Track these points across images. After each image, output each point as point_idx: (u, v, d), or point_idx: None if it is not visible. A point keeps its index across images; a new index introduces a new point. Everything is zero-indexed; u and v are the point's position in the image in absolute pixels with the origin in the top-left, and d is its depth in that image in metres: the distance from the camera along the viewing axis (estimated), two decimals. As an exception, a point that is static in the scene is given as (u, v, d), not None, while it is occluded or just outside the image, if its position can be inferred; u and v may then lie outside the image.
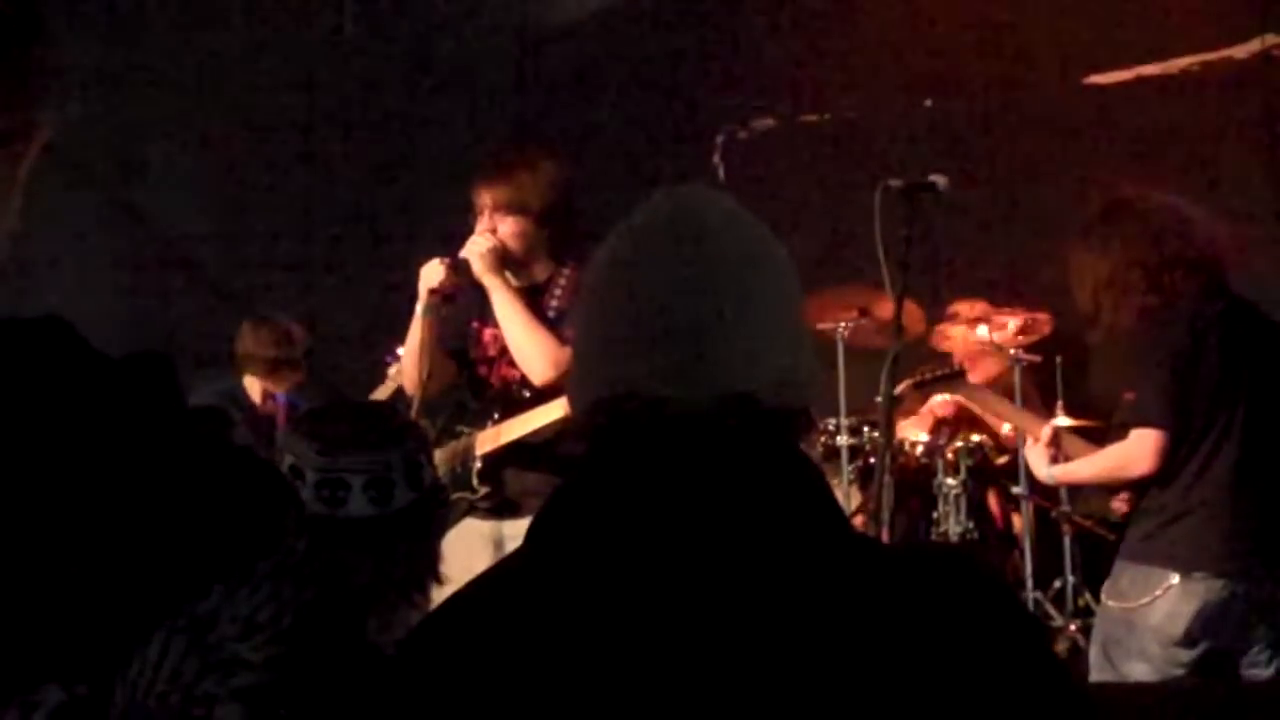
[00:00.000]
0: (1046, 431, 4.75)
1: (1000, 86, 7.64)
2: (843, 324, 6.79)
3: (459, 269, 4.57)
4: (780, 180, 7.19)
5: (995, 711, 1.40)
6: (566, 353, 4.28)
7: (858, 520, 6.00)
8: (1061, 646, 6.19)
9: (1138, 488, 4.34)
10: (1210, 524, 4.17)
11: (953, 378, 5.81)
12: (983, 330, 6.91)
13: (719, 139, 5.23)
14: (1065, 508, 6.62)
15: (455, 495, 4.51)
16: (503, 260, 4.60)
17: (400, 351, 4.98)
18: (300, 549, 1.21)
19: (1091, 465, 4.59)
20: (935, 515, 6.66)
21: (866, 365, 6.11)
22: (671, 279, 1.53)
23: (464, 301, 4.69)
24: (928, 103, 7.05)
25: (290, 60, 8.25)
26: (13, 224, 1.23)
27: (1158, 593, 4.16)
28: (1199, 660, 4.15)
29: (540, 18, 8.60)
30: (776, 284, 1.58)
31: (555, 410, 4.38)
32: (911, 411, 7.20)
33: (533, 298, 4.61)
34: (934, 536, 6.59)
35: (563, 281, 4.64)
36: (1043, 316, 6.89)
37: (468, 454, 4.63)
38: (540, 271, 4.68)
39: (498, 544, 4.58)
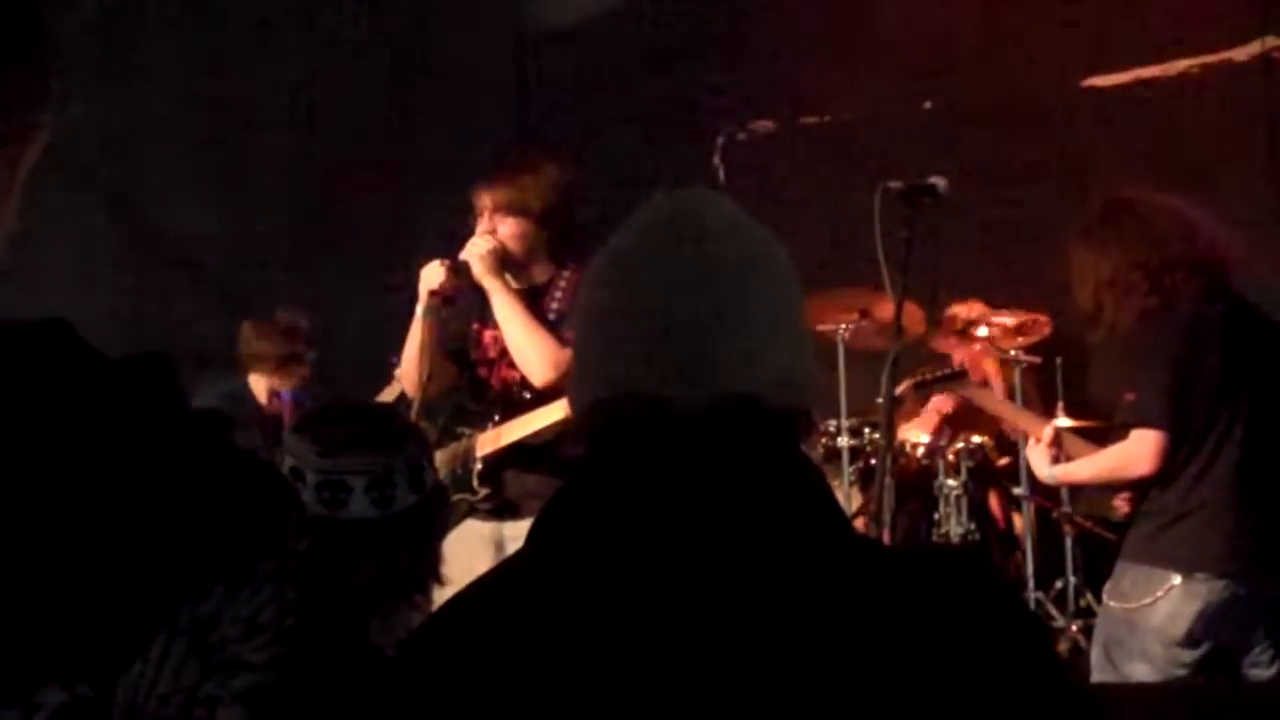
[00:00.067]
0: (1048, 432, 4.75)
1: (1000, 88, 7.64)
2: (843, 325, 6.79)
3: (459, 271, 4.57)
4: (780, 182, 7.19)
5: (998, 712, 1.40)
6: (566, 354, 4.28)
7: (859, 521, 6.00)
8: (1063, 647, 6.19)
9: (1139, 488, 4.34)
10: (1212, 525, 4.18)
11: (954, 378, 5.81)
12: (982, 331, 6.90)
13: (719, 141, 5.24)
14: (1066, 508, 6.61)
15: (456, 497, 4.51)
16: (503, 262, 4.60)
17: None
18: (302, 550, 1.21)
19: (1092, 466, 4.59)
20: (936, 516, 6.65)
21: (867, 367, 6.11)
22: (671, 280, 1.53)
23: (464, 303, 4.69)
24: (927, 105, 7.05)
25: (291, 61, 8.25)
26: (12, 225, 1.22)
27: (1159, 593, 4.16)
28: (1201, 661, 4.16)
29: (540, 19, 8.60)
30: (776, 285, 1.58)
31: (555, 412, 4.38)
32: (913, 413, 7.20)
33: (533, 299, 4.61)
34: (935, 538, 6.58)
35: (563, 283, 4.64)
36: (1042, 318, 6.88)
37: (468, 456, 4.63)
38: (540, 273, 4.68)
39: (498, 545, 4.58)
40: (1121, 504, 4.52)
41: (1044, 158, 7.52)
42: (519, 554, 1.55)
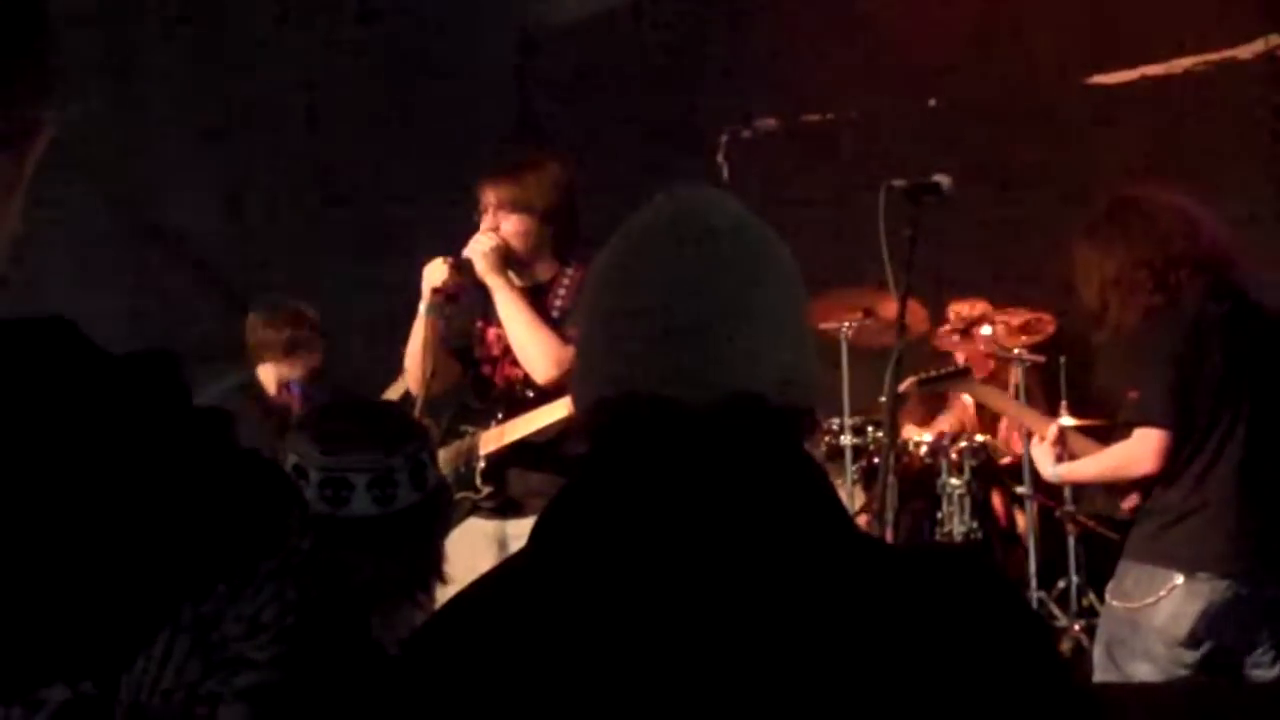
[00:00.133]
0: (1052, 430, 4.76)
1: (1004, 86, 7.63)
2: (847, 324, 6.79)
3: (462, 268, 4.57)
4: (783, 180, 7.18)
5: (1000, 711, 1.40)
6: (569, 352, 4.28)
7: (861, 520, 6.00)
8: (1065, 647, 6.19)
9: (1144, 487, 4.34)
10: (1214, 524, 4.17)
11: (958, 375, 5.82)
12: (986, 330, 6.90)
13: (722, 139, 5.23)
14: (1069, 507, 6.61)
15: (459, 495, 4.51)
16: (506, 259, 4.60)
17: None
18: (304, 548, 1.21)
19: (1095, 464, 4.59)
20: (939, 515, 6.66)
21: (870, 365, 6.11)
22: (675, 279, 1.53)
23: (467, 301, 4.69)
24: (931, 102, 7.04)
25: (293, 59, 8.24)
26: (16, 223, 1.22)
27: (1162, 593, 4.16)
28: (1203, 660, 4.16)
29: (542, 17, 8.60)
30: (780, 284, 1.58)
31: (559, 410, 4.38)
32: (916, 411, 7.20)
33: (536, 297, 4.61)
34: (938, 536, 6.59)
35: (566, 281, 4.64)
36: (1046, 316, 6.88)
37: (472, 453, 4.63)
38: (544, 271, 4.68)
39: (501, 544, 4.58)
40: (1128, 502, 4.52)
41: (1047, 156, 7.51)
42: (522, 552, 1.55)
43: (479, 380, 4.75)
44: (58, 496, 1.10)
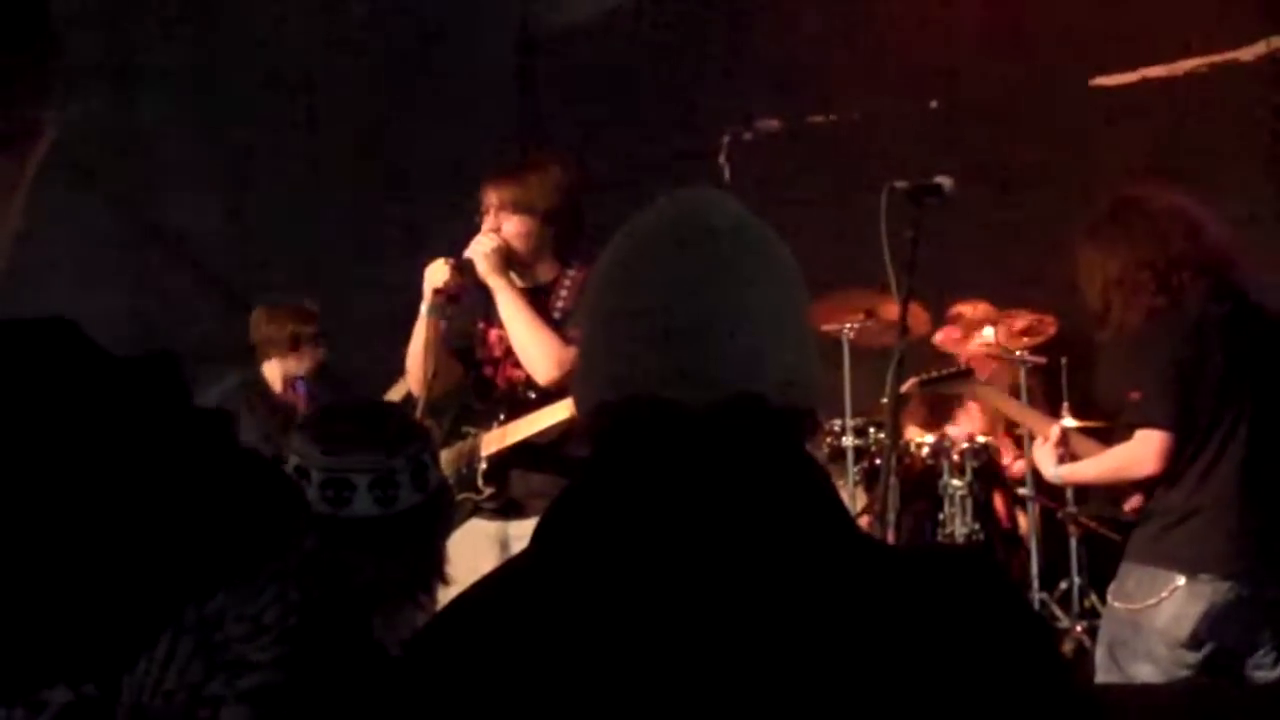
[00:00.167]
0: (1055, 431, 4.76)
1: (1006, 88, 7.63)
2: (848, 325, 6.79)
3: (463, 269, 4.57)
4: (785, 181, 7.18)
5: (1003, 713, 1.40)
6: (570, 353, 4.28)
7: (863, 521, 6.00)
8: (1067, 648, 6.19)
9: (1147, 488, 4.34)
10: (1216, 525, 4.17)
11: (960, 376, 5.82)
12: (988, 332, 6.91)
13: (724, 140, 5.23)
14: (1072, 509, 6.62)
15: (461, 496, 4.51)
16: (507, 260, 4.59)
17: None
18: (306, 549, 1.21)
19: (1097, 465, 4.59)
20: (941, 516, 6.66)
21: (872, 366, 6.11)
22: (676, 280, 1.53)
23: (469, 302, 4.69)
24: (933, 104, 7.04)
25: (293, 59, 8.24)
26: (18, 223, 1.23)
27: (1164, 594, 4.16)
28: (1205, 662, 4.15)
29: (544, 18, 8.60)
30: (781, 285, 1.58)
31: (561, 411, 4.38)
32: (918, 412, 7.20)
33: (538, 298, 4.60)
34: (940, 538, 6.59)
35: (568, 282, 4.64)
36: (1048, 318, 6.89)
37: (473, 455, 4.63)
38: (546, 272, 4.68)
39: (503, 545, 4.58)
40: (1131, 504, 4.52)
41: (1048, 157, 7.51)
42: (524, 553, 1.55)
43: (481, 381, 4.75)
44: (59, 498, 1.09)
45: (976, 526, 6.59)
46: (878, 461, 6.52)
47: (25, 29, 1.20)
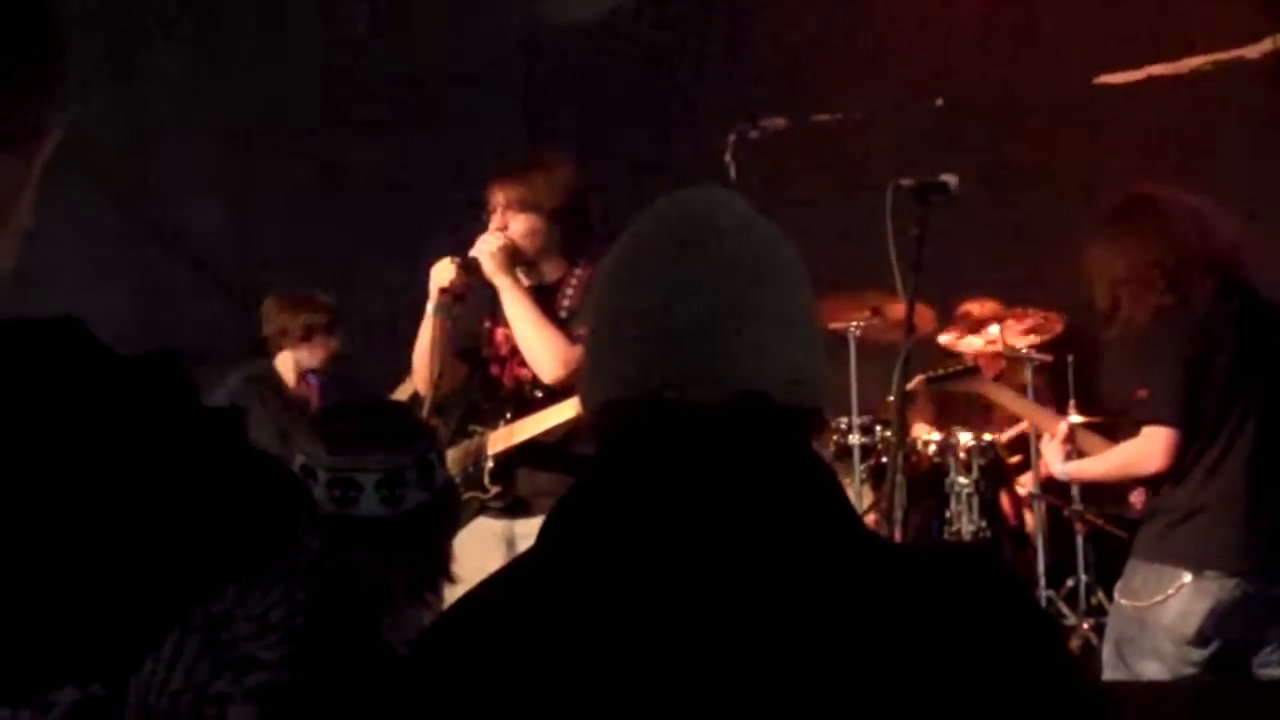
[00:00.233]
0: (1062, 428, 4.76)
1: (1011, 86, 7.63)
2: (855, 323, 6.79)
3: (469, 268, 4.57)
4: (791, 180, 7.18)
5: (1010, 710, 1.40)
6: (576, 351, 4.28)
7: (870, 519, 6.00)
8: (1074, 645, 6.19)
9: (1155, 485, 4.34)
10: (1223, 522, 4.17)
11: (968, 374, 5.81)
12: (994, 330, 6.91)
13: (730, 138, 5.22)
14: (1078, 506, 6.62)
15: (467, 495, 4.52)
16: (513, 259, 4.59)
17: None
18: (313, 548, 1.21)
19: (1104, 463, 4.60)
20: (948, 514, 6.65)
21: (878, 364, 6.11)
22: (681, 279, 1.53)
23: (475, 301, 4.69)
24: (939, 102, 7.03)
25: (300, 60, 8.25)
26: (27, 222, 1.23)
27: (1170, 591, 4.15)
28: (1211, 659, 4.15)
29: (550, 18, 8.60)
30: (788, 283, 1.58)
31: (567, 410, 4.38)
32: (925, 410, 7.20)
33: (544, 297, 4.60)
34: (947, 535, 6.58)
35: (574, 281, 4.64)
36: (1054, 316, 6.89)
37: (480, 453, 4.63)
38: (552, 271, 4.67)
39: (510, 543, 4.58)
40: (1139, 500, 4.52)
41: (1054, 156, 7.51)
42: (530, 552, 1.55)
43: (487, 380, 4.75)
44: (66, 498, 1.10)
45: (983, 524, 6.58)
46: (884, 460, 6.52)
47: (28, 30, 1.20)
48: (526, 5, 8.60)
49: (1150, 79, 7.47)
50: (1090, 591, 6.53)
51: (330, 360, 6.79)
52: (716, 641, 1.39)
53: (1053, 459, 4.75)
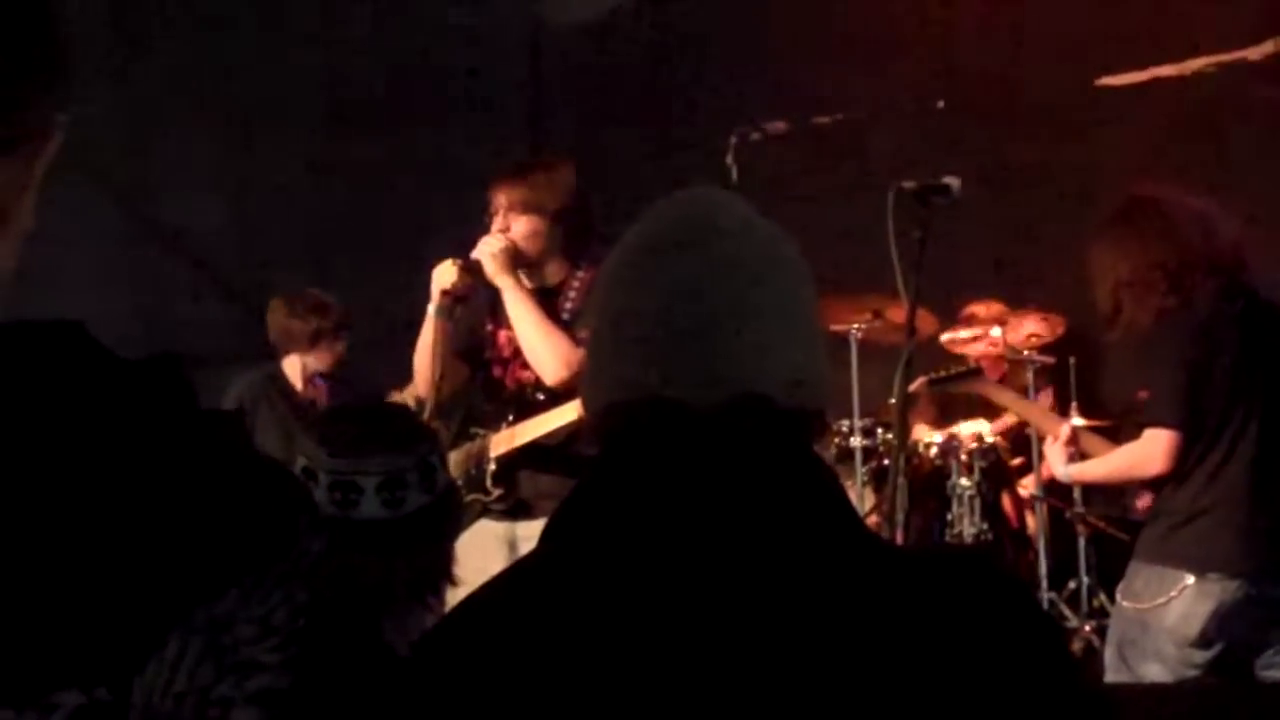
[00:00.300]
0: (1065, 429, 4.76)
1: (1013, 87, 7.63)
2: (856, 325, 6.79)
3: (471, 270, 4.57)
4: (793, 181, 7.18)
5: (1012, 713, 1.40)
6: (580, 353, 4.28)
7: (871, 521, 6.00)
8: (1076, 647, 6.19)
9: (1157, 487, 4.34)
10: (1225, 524, 4.17)
11: (970, 375, 5.82)
12: (995, 331, 6.91)
13: (732, 140, 5.22)
14: (1080, 509, 6.61)
15: (470, 497, 4.52)
16: (515, 261, 4.59)
17: None
18: (315, 551, 1.21)
19: (1106, 464, 4.60)
20: (949, 517, 6.66)
21: (880, 366, 6.11)
22: (683, 281, 1.53)
23: (477, 303, 4.69)
24: (940, 104, 7.04)
25: (300, 60, 8.25)
26: (29, 223, 1.23)
27: (1173, 593, 4.15)
28: (1214, 661, 4.15)
29: (550, 18, 8.60)
30: (789, 285, 1.58)
31: (570, 412, 4.38)
32: (928, 412, 7.20)
33: (547, 299, 4.60)
34: (948, 538, 6.58)
35: (577, 283, 4.63)
36: (1056, 318, 6.89)
37: (482, 456, 4.63)
38: (555, 273, 4.67)
39: (512, 546, 4.58)
40: (1142, 502, 4.51)
41: (1055, 157, 7.51)
42: (532, 554, 1.54)
43: (490, 382, 4.75)
44: (67, 500, 1.10)
45: (985, 527, 6.59)
46: (886, 462, 6.52)
47: (30, 31, 1.20)
48: (527, 5, 8.60)
49: (1154, 80, 7.46)
50: (1092, 594, 6.53)
51: (337, 364, 6.77)
52: (719, 644, 1.38)
53: (1056, 461, 4.75)
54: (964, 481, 6.61)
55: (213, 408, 1.25)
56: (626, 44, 8.39)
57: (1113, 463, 4.54)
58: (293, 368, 6.72)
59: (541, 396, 4.57)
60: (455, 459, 4.48)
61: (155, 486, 1.12)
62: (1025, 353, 6.78)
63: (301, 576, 1.18)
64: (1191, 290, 4.25)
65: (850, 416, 6.72)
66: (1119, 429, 4.89)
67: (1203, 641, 4.14)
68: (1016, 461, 6.99)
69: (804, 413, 1.54)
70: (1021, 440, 6.98)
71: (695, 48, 8.31)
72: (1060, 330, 6.90)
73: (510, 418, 4.63)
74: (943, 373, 5.89)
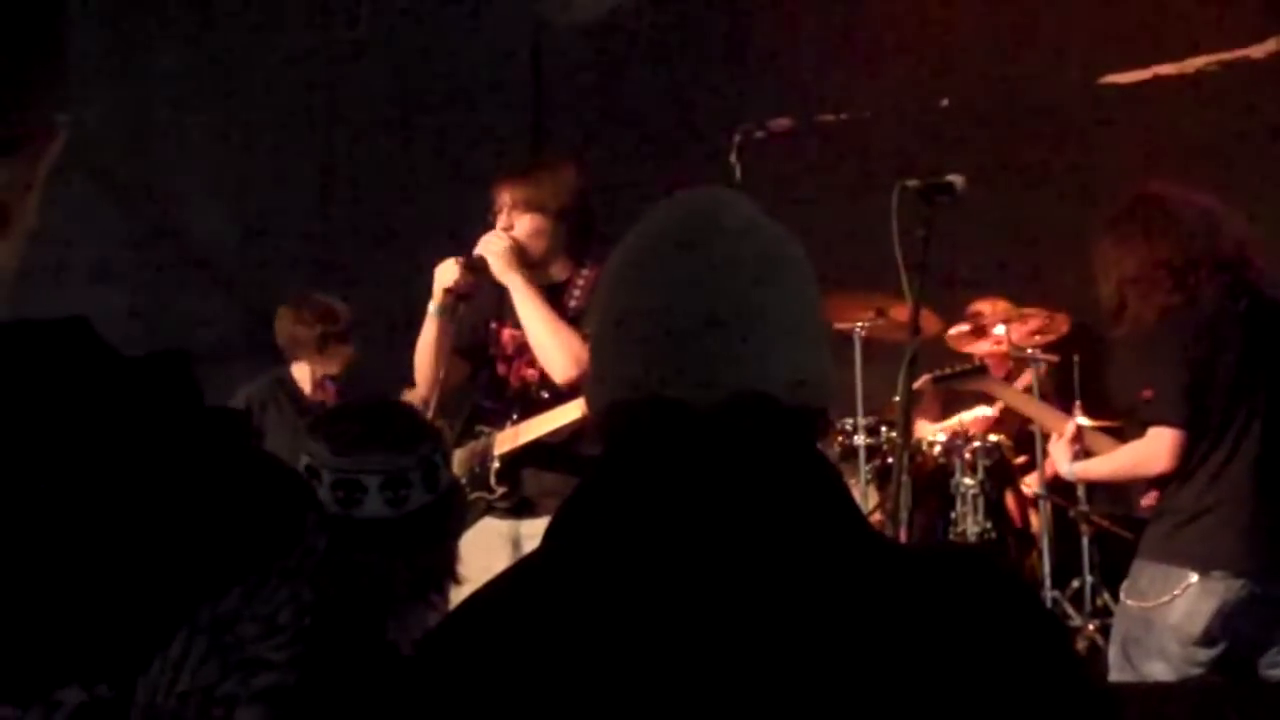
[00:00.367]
0: (1070, 428, 4.76)
1: (1016, 86, 7.62)
2: (860, 324, 6.79)
3: (474, 268, 4.56)
4: (797, 180, 7.17)
5: (1016, 711, 1.39)
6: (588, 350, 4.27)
7: (875, 519, 5.99)
8: (1080, 646, 6.18)
9: (1162, 485, 4.34)
10: (1229, 523, 4.17)
11: (975, 373, 5.82)
12: (999, 329, 6.91)
13: (735, 138, 5.22)
14: (1083, 507, 6.61)
15: (473, 495, 4.52)
16: (519, 258, 4.59)
17: None
18: (319, 550, 1.21)
19: (1110, 463, 4.60)
20: (953, 515, 6.65)
21: (884, 365, 6.10)
22: (687, 279, 1.53)
23: (479, 301, 4.68)
24: (944, 102, 7.04)
25: (305, 61, 8.26)
26: (32, 223, 1.23)
27: (1176, 592, 4.15)
28: (1217, 659, 4.15)
29: (555, 17, 8.60)
30: (793, 284, 1.58)
31: (573, 410, 4.38)
32: (931, 409, 7.20)
33: (551, 298, 4.59)
34: (952, 536, 6.58)
35: (581, 282, 4.63)
36: (1061, 316, 6.89)
37: (486, 454, 4.63)
38: (558, 271, 4.67)
39: (515, 544, 4.58)
40: (1148, 500, 4.51)
41: (1057, 156, 7.51)
42: (536, 552, 1.54)
43: (494, 380, 4.75)
44: (72, 498, 1.10)
45: (989, 525, 6.58)
46: (889, 460, 6.51)
47: (34, 32, 1.20)
48: (527, 5, 8.60)
49: (1156, 79, 7.46)
50: (1096, 592, 6.52)
51: (346, 368, 6.75)
52: (722, 643, 1.38)
53: (1060, 459, 4.75)
54: (968, 480, 6.61)
55: (218, 405, 1.24)
56: (626, 44, 8.39)
57: (1117, 461, 4.54)
58: (302, 373, 6.71)
59: (545, 394, 4.57)
60: (459, 457, 4.48)
61: (160, 484, 1.12)
62: (1029, 351, 6.78)
63: (306, 574, 1.17)
64: (1196, 288, 4.25)
65: (854, 415, 6.71)
66: (1123, 427, 4.89)
67: (1207, 640, 4.14)
68: (1020, 460, 6.98)
69: (807, 411, 1.54)
70: (1025, 438, 6.97)
71: (695, 48, 8.31)
72: (1065, 328, 6.89)
73: (514, 416, 4.63)
74: (948, 370, 5.89)
